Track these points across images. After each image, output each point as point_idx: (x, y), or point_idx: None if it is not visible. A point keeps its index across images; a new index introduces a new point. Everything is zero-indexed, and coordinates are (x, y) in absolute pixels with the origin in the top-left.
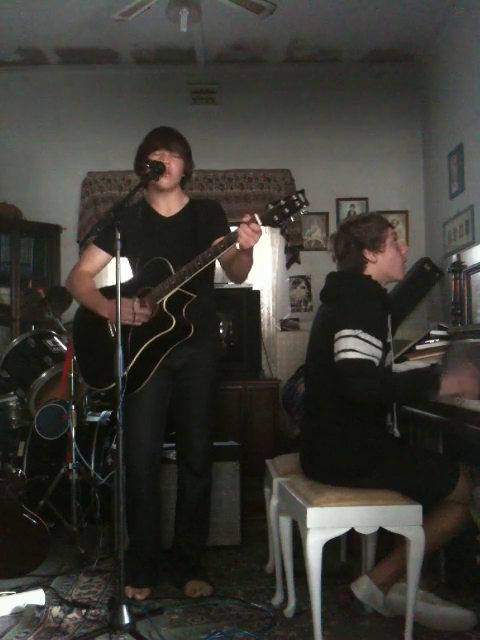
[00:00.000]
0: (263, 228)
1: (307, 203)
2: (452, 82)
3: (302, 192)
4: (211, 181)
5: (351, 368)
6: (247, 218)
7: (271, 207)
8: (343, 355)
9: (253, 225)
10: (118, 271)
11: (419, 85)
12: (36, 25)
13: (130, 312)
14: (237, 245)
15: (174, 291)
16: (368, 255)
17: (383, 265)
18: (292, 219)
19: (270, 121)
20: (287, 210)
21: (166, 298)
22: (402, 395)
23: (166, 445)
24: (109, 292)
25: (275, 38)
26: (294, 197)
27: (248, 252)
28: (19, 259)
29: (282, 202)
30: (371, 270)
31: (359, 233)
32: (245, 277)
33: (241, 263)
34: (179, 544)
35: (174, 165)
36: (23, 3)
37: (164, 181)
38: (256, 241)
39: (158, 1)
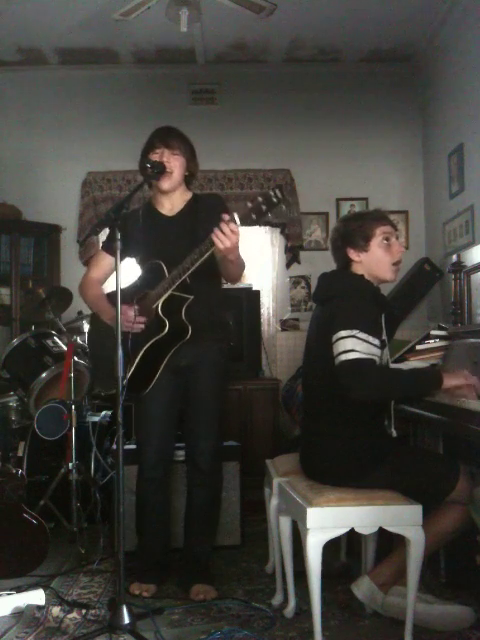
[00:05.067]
0: (262, 228)
1: (284, 199)
2: (452, 82)
3: (279, 188)
4: (211, 181)
5: (353, 368)
6: (224, 219)
7: (249, 205)
8: (344, 357)
9: (231, 225)
10: (118, 270)
11: (419, 85)
12: (36, 25)
13: (129, 320)
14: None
15: (167, 294)
16: (351, 254)
17: (368, 265)
18: (270, 215)
19: (270, 121)
20: (264, 207)
21: (161, 302)
22: (406, 391)
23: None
24: (114, 297)
25: (275, 38)
26: (271, 193)
27: (228, 255)
28: (19, 259)
29: (259, 199)
30: (359, 269)
31: (346, 230)
32: (237, 279)
33: (226, 267)
34: (191, 544)
35: (174, 163)
36: (23, 3)
37: (164, 184)
38: (233, 243)
39: (158, 1)
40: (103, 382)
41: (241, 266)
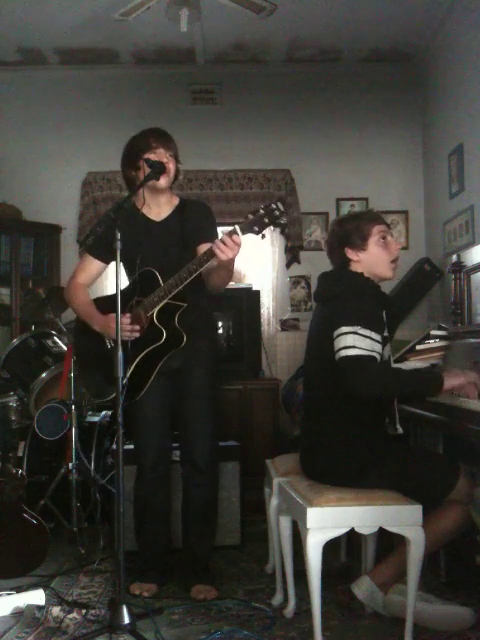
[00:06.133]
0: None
1: (286, 213)
2: (452, 82)
3: (281, 201)
4: (211, 181)
5: (353, 365)
6: (226, 232)
7: (251, 217)
8: (344, 352)
9: (234, 237)
10: (118, 270)
11: (419, 85)
12: (36, 25)
13: (124, 329)
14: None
15: (163, 303)
16: (350, 254)
17: (368, 264)
18: (272, 228)
19: (270, 121)
20: (267, 220)
21: (156, 310)
22: (405, 390)
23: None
24: (102, 303)
25: (275, 38)
26: (273, 206)
27: (226, 266)
28: (19, 259)
29: (261, 211)
30: (358, 268)
31: (342, 231)
32: (221, 290)
33: (219, 276)
34: (191, 544)
35: (170, 165)
36: (23, 3)
37: (163, 181)
38: (235, 254)
39: (158, 1)
40: (93, 391)
41: (229, 279)
